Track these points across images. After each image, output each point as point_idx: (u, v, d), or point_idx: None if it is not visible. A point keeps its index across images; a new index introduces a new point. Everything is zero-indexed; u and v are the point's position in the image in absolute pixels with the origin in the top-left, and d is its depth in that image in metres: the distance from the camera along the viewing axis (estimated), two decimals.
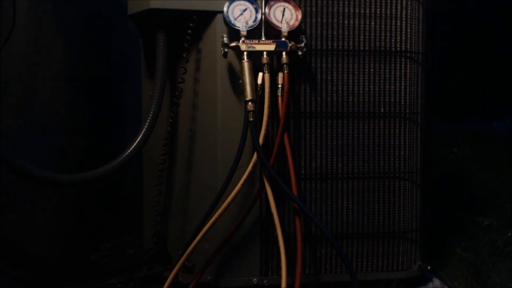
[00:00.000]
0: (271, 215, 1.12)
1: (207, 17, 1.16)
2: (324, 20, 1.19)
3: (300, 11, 1.14)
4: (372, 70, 1.22)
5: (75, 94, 1.47)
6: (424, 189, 1.29)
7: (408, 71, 1.24)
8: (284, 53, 1.12)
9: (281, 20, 1.13)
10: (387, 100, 1.23)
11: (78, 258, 1.45)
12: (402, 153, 1.24)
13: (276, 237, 1.10)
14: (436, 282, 1.30)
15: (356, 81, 1.21)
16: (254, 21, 1.12)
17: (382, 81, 1.22)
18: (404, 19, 1.23)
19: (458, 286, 1.30)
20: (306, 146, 1.20)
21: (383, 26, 1.22)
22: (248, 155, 1.15)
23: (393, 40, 1.22)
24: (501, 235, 1.57)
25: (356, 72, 1.21)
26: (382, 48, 1.22)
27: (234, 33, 1.11)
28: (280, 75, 1.13)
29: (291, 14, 1.14)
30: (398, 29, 1.23)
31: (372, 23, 1.21)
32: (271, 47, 1.12)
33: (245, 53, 1.11)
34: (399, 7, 1.22)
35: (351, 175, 1.22)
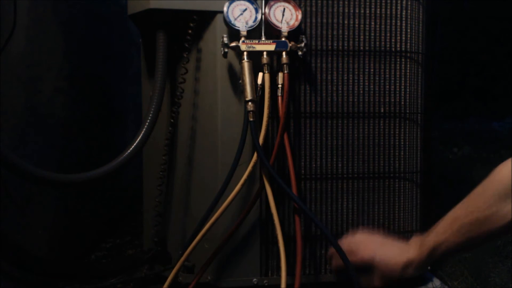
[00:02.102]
0: (271, 215, 1.12)
1: (207, 17, 1.16)
2: (324, 20, 1.19)
3: (300, 11, 1.14)
4: (372, 70, 1.22)
5: (75, 94, 1.47)
6: (424, 189, 1.29)
7: (408, 71, 1.24)
8: (284, 53, 1.12)
9: (281, 20, 1.13)
10: (387, 100, 1.23)
11: (78, 258, 1.45)
12: (402, 153, 1.24)
13: (276, 237, 1.10)
14: (436, 282, 1.30)
15: (356, 81, 1.21)
16: (254, 21, 1.12)
17: (382, 81, 1.22)
18: (404, 19, 1.23)
19: (458, 286, 1.30)
20: (306, 146, 1.20)
21: (383, 26, 1.22)
22: (248, 155, 1.15)
23: (393, 40, 1.22)
24: None
25: (356, 72, 1.21)
26: (382, 48, 1.22)
27: (234, 33, 1.11)
28: (280, 75, 1.13)
29: (291, 14, 1.14)
30: (398, 29, 1.23)
31: (372, 23, 1.21)
32: (271, 47, 1.12)
33: (245, 53, 1.11)
34: (399, 7, 1.22)
35: (351, 175, 1.22)
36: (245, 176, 1.11)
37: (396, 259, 1.03)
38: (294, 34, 1.13)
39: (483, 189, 0.91)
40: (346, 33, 1.20)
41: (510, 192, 0.86)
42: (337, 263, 1.12)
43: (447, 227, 0.96)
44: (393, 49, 1.23)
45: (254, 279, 1.18)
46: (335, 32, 1.20)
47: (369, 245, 1.08)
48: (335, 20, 1.20)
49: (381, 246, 1.07)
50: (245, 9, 1.12)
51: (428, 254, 0.99)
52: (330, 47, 1.20)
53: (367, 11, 1.21)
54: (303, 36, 1.13)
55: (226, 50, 1.10)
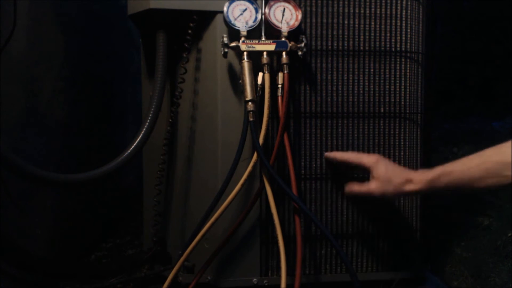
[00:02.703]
0: (271, 215, 1.12)
1: (207, 17, 1.17)
2: (324, 20, 1.19)
3: (300, 11, 1.14)
4: (372, 70, 1.22)
5: (75, 94, 1.47)
6: None
7: (408, 71, 1.24)
8: (284, 53, 1.12)
9: (281, 20, 1.13)
10: (387, 100, 1.23)
11: (78, 258, 1.45)
12: (402, 153, 1.24)
13: (276, 237, 1.10)
14: (436, 282, 1.30)
15: (356, 81, 1.21)
16: (254, 21, 1.12)
17: (382, 81, 1.22)
18: (404, 19, 1.23)
19: (458, 286, 1.30)
20: (306, 146, 1.20)
21: (383, 26, 1.22)
22: (248, 155, 1.15)
23: (393, 40, 1.22)
24: (501, 235, 1.57)
25: (356, 72, 1.21)
26: (382, 48, 1.22)
27: (234, 33, 1.11)
28: (280, 75, 1.13)
29: (291, 14, 1.14)
30: (398, 29, 1.23)
31: (372, 23, 1.21)
32: (271, 47, 1.12)
33: (245, 53, 1.11)
34: (399, 7, 1.22)
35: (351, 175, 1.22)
36: (245, 176, 1.11)
37: (400, 171, 1.05)
38: (294, 34, 1.13)
39: None
40: (346, 33, 1.20)
41: None
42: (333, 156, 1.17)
43: (468, 161, 0.98)
44: (393, 49, 1.23)
45: (254, 279, 1.18)
46: (335, 32, 1.20)
47: (377, 155, 1.11)
48: (335, 20, 1.20)
49: (388, 160, 1.10)
50: (245, 9, 1.12)
51: (436, 175, 1.00)
52: (330, 47, 1.20)
53: (367, 11, 1.21)
54: (303, 36, 1.13)
55: (226, 50, 1.10)
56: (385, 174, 1.05)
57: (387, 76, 1.23)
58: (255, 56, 1.11)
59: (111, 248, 1.57)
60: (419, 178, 1.02)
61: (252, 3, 1.12)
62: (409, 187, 1.03)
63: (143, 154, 1.42)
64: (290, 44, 1.12)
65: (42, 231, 1.26)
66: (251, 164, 1.11)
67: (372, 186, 1.06)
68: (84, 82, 1.54)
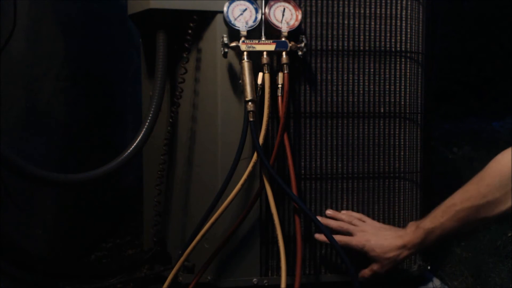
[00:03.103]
0: (271, 215, 1.12)
1: (207, 17, 1.17)
2: (324, 20, 1.19)
3: (300, 11, 1.14)
4: (372, 70, 1.22)
5: (75, 94, 1.47)
6: (424, 189, 1.29)
7: (408, 71, 1.24)
8: (284, 53, 1.12)
9: (281, 20, 1.13)
10: (387, 100, 1.23)
11: (78, 258, 1.45)
12: (402, 153, 1.24)
13: (276, 237, 1.10)
14: (436, 282, 1.30)
15: (356, 81, 1.21)
16: (254, 21, 1.12)
17: (382, 81, 1.22)
18: (404, 19, 1.23)
19: (458, 286, 1.30)
20: (306, 146, 1.20)
21: (383, 26, 1.22)
22: (248, 155, 1.15)
23: (393, 40, 1.22)
24: (501, 235, 1.57)
25: (356, 72, 1.21)
26: (382, 48, 1.22)
27: (234, 33, 1.11)
28: (280, 75, 1.13)
29: (291, 14, 1.14)
30: (398, 29, 1.23)
31: (372, 23, 1.21)
32: (271, 47, 1.12)
33: (245, 53, 1.11)
34: (399, 7, 1.22)
35: (351, 175, 1.22)
36: (245, 176, 1.11)
37: (391, 242, 1.07)
38: (294, 34, 1.13)
39: (481, 178, 0.93)
40: (346, 33, 1.20)
41: (508, 181, 0.88)
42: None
43: (443, 213, 1.00)
44: (393, 49, 1.23)
45: (254, 279, 1.18)
46: (335, 32, 1.20)
47: (365, 228, 1.12)
48: (335, 20, 1.20)
49: (377, 231, 1.12)
50: (245, 9, 1.12)
51: (423, 238, 1.03)
52: (330, 47, 1.20)
53: (367, 11, 1.21)
54: (303, 36, 1.13)
55: (226, 50, 1.10)
56: (379, 254, 1.08)
57: (387, 76, 1.23)
58: (255, 56, 1.11)
59: (111, 248, 1.57)
60: (411, 246, 1.06)
61: (252, 3, 1.13)
62: (404, 254, 1.07)
63: (143, 154, 1.42)
64: (290, 44, 1.12)
65: (42, 231, 1.26)
66: (251, 164, 1.11)
67: (375, 269, 1.10)
68: (84, 82, 1.54)
